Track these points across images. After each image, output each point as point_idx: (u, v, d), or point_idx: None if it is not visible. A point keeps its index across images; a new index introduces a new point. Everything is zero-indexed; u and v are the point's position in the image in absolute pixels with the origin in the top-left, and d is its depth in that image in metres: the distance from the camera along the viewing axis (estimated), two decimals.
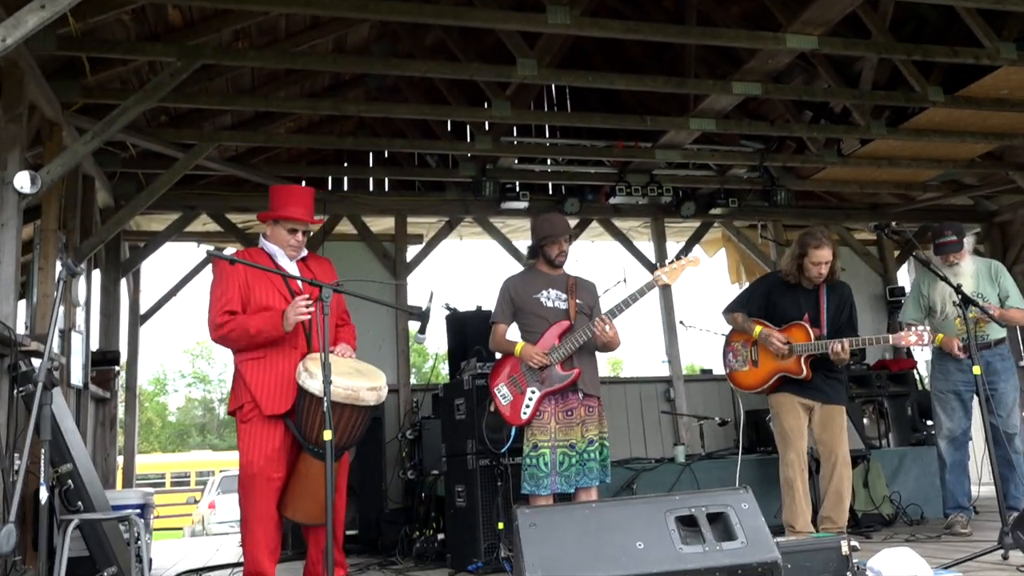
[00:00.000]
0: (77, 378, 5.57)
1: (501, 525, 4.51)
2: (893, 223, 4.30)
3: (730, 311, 4.88)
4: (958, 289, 4.07)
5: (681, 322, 7.89)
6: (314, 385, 3.29)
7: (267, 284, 3.60)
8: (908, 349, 7.98)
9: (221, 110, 6.37)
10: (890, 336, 4.48)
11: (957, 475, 4.99)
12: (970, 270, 4.90)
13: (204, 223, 7.48)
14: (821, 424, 4.59)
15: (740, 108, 7.17)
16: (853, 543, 3.44)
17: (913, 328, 4.40)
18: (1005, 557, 3.59)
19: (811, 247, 4.54)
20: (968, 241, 5.03)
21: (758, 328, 4.63)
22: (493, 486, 4.62)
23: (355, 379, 3.41)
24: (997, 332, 4.99)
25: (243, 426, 3.52)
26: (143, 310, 7.63)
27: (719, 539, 2.48)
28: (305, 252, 3.79)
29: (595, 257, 9.13)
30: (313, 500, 3.44)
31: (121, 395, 7.35)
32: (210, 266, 7.82)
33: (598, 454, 4.02)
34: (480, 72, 5.40)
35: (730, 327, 4.91)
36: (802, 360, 4.51)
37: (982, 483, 6.39)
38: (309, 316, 3.47)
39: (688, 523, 2.53)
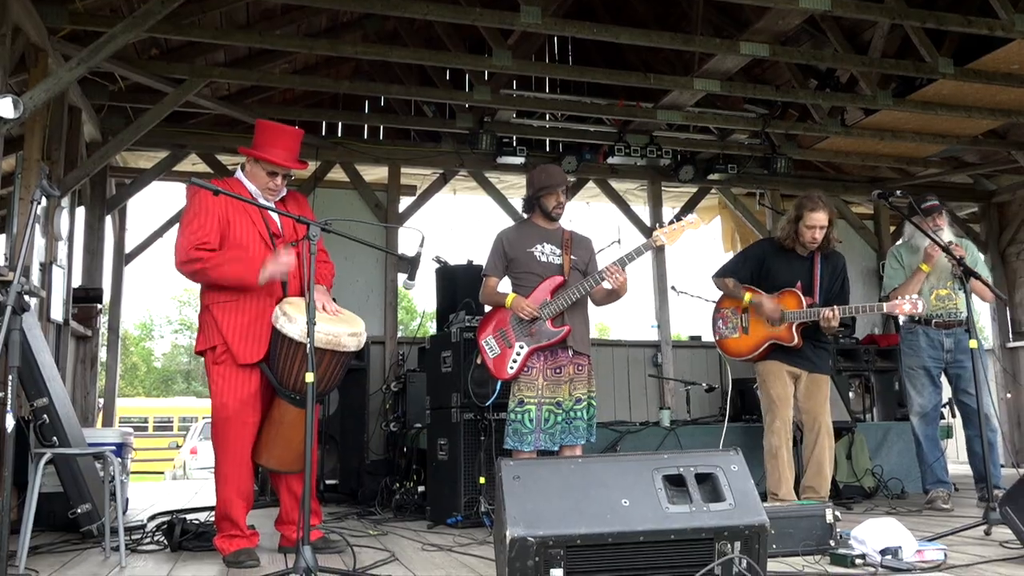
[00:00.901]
0: (57, 313, 5.47)
1: (483, 480, 4.48)
2: (897, 192, 4.20)
3: (721, 275, 4.80)
4: (960, 261, 4.01)
5: (673, 287, 7.83)
6: (293, 329, 3.20)
7: (246, 220, 3.44)
8: (897, 324, 7.97)
9: (214, 45, 6.18)
10: (884, 304, 4.43)
11: (932, 450, 4.99)
12: (947, 237, 4.85)
13: (193, 163, 7.32)
14: (806, 393, 4.56)
15: (745, 73, 7.03)
16: (836, 512, 3.43)
17: (908, 297, 4.34)
18: (988, 533, 3.58)
19: (806, 210, 4.48)
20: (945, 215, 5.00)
21: (748, 295, 4.58)
22: (476, 440, 4.58)
23: (336, 324, 3.32)
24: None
25: (216, 367, 3.40)
26: (128, 249, 7.49)
27: (707, 500, 2.42)
28: (284, 191, 3.60)
29: (590, 219, 9.03)
30: (287, 447, 3.38)
31: (105, 336, 7.25)
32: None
33: (585, 413, 3.97)
34: (483, 18, 5.24)
35: (720, 293, 4.85)
36: (794, 328, 4.46)
37: (959, 460, 6.43)
38: (288, 272, 3.34)
39: (676, 482, 2.47)
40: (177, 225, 3.46)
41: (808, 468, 4.53)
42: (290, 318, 3.23)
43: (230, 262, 3.32)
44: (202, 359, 3.51)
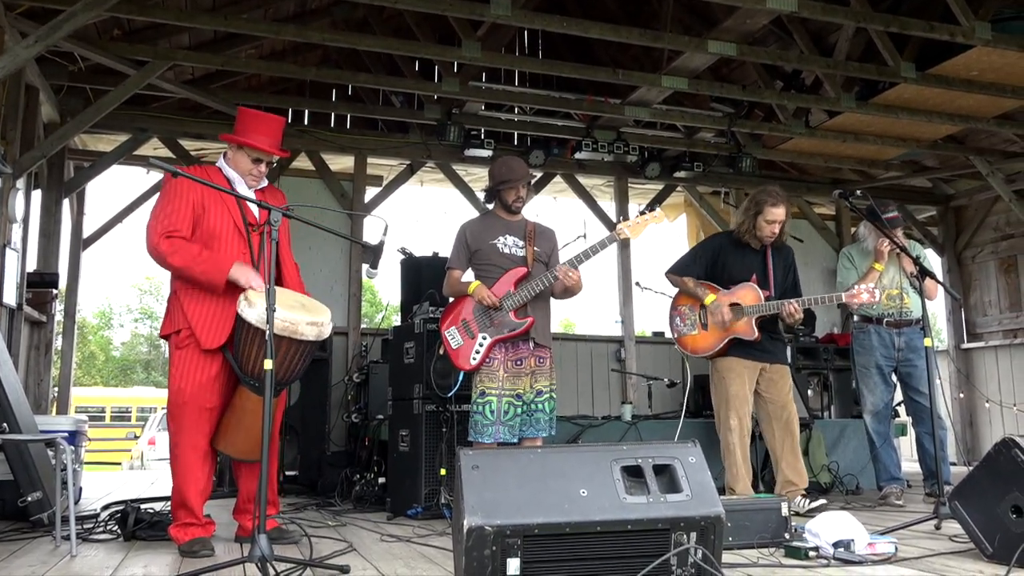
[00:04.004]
0: (10, 297, 5.35)
1: (444, 471, 4.47)
2: (858, 192, 4.26)
3: (676, 273, 4.78)
4: (917, 260, 4.08)
5: (637, 283, 7.88)
6: (252, 314, 3.17)
7: (222, 209, 3.44)
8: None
9: (178, 28, 6.07)
10: (842, 294, 4.46)
11: (886, 448, 5.09)
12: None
13: (155, 147, 7.19)
14: (770, 383, 4.57)
15: (712, 72, 7.09)
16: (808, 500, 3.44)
17: (864, 286, 4.40)
18: (938, 527, 3.66)
19: (767, 205, 4.50)
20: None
21: (711, 296, 4.57)
22: (438, 432, 4.56)
23: (296, 312, 3.28)
24: (919, 310, 5.02)
25: (178, 352, 3.39)
26: (86, 234, 7.35)
27: (664, 491, 2.44)
28: (265, 182, 3.63)
29: (557, 213, 9.04)
30: (247, 435, 3.34)
31: (61, 323, 7.10)
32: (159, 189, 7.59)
33: (546, 405, 3.98)
34: (453, 8, 5.20)
35: (676, 290, 4.83)
36: (753, 322, 4.49)
37: (912, 458, 6.56)
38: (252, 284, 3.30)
39: (634, 473, 2.48)
40: (150, 209, 3.46)
41: (783, 460, 4.51)
42: (250, 303, 3.20)
43: (199, 263, 3.31)
44: (163, 348, 3.49)
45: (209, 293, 3.36)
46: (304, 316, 3.29)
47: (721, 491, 4.47)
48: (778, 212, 4.50)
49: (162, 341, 3.53)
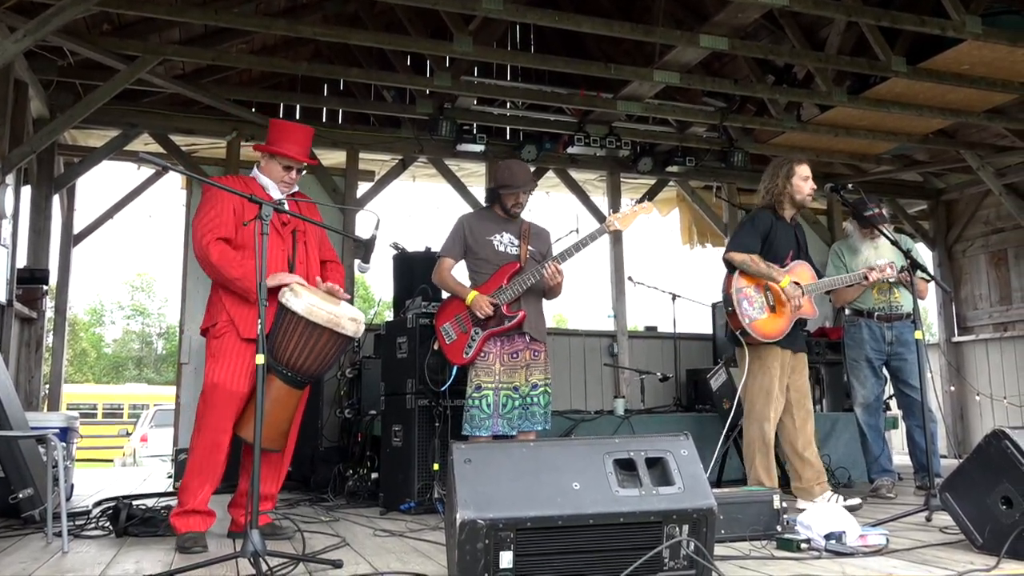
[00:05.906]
0: (0, 294, 5.32)
1: (437, 466, 4.47)
2: (849, 185, 4.25)
3: (740, 250, 4.27)
4: (908, 254, 4.10)
5: (630, 278, 7.90)
6: (298, 304, 3.28)
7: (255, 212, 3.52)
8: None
9: (169, 22, 6.03)
10: (870, 272, 4.42)
11: (877, 441, 5.11)
12: (887, 243, 4.84)
13: (146, 143, 7.15)
14: (794, 371, 4.32)
15: (704, 67, 7.09)
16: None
17: (891, 264, 4.39)
18: (928, 519, 3.68)
19: (795, 164, 4.31)
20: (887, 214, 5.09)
21: (787, 278, 4.17)
22: (431, 427, 4.56)
23: (339, 306, 3.41)
24: (909, 305, 4.98)
25: (214, 341, 3.47)
26: (77, 230, 7.33)
27: (656, 483, 2.44)
28: (296, 188, 3.75)
29: (549, 208, 9.05)
30: (270, 423, 3.37)
31: (52, 320, 7.07)
32: (151, 188, 7.56)
33: (542, 399, 4.01)
34: (444, 2, 5.19)
35: (736, 271, 4.28)
36: (812, 301, 4.31)
37: (903, 451, 6.60)
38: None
39: (626, 466, 2.49)
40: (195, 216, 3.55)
41: (808, 450, 4.26)
42: (296, 293, 3.32)
43: (246, 265, 3.39)
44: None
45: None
46: (346, 311, 3.42)
47: (714, 484, 4.49)
48: (806, 167, 4.31)
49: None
